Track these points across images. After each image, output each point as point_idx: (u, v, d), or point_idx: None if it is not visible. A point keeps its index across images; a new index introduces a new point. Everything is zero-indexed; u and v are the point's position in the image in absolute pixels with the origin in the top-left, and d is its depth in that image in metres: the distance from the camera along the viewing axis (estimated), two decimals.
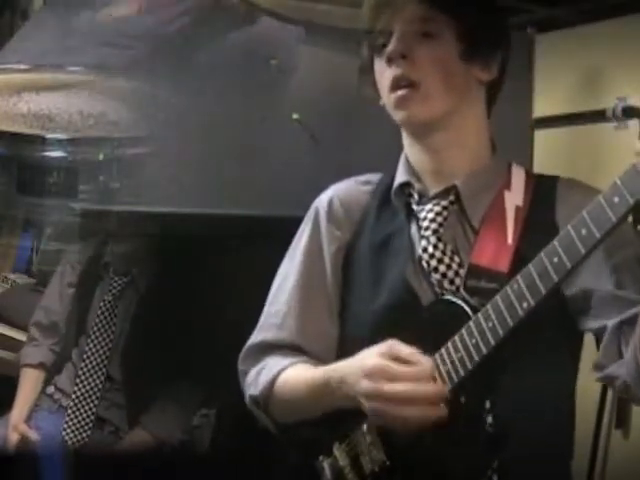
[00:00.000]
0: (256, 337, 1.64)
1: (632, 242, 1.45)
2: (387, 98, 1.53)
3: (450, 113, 1.51)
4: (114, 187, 2.22)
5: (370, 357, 1.41)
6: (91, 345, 2.82)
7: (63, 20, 2.60)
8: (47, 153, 2.19)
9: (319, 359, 1.58)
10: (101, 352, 2.81)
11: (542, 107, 2.94)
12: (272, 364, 1.59)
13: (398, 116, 1.53)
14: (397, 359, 1.39)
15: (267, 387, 1.57)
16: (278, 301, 1.63)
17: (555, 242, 1.32)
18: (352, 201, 1.63)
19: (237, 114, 2.37)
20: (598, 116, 2.83)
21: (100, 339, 2.82)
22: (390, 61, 1.49)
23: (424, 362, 1.39)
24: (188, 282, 2.72)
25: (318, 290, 1.60)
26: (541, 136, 2.96)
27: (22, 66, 2.47)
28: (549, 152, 2.93)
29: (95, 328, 2.83)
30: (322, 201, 1.65)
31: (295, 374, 1.56)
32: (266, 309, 1.65)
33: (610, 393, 2.65)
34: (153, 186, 2.29)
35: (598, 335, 1.45)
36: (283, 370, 1.56)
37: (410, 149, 1.59)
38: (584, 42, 3.12)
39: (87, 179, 2.22)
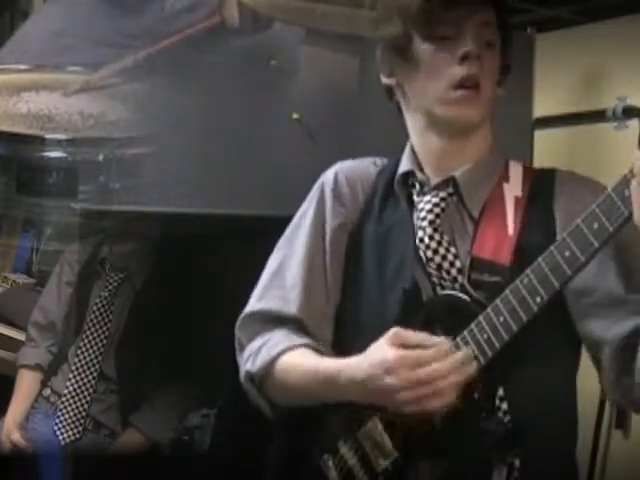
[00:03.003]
0: (257, 305, 1.63)
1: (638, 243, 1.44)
2: (443, 92, 1.51)
3: (486, 117, 1.55)
4: (114, 187, 2.22)
5: (383, 351, 1.40)
6: (85, 341, 2.81)
7: (62, 19, 2.60)
8: (47, 153, 2.19)
9: (319, 338, 1.57)
10: (95, 348, 2.81)
11: (542, 107, 2.94)
12: (273, 342, 1.57)
13: (452, 112, 1.53)
14: (408, 346, 1.40)
15: (266, 366, 1.55)
16: (283, 274, 1.62)
17: (565, 236, 1.32)
18: (357, 178, 1.64)
19: (237, 114, 2.37)
20: (598, 116, 2.83)
21: (95, 335, 2.82)
22: (465, 59, 1.49)
23: (437, 341, 1.40)
24: (186, 282, 2.72)
25: (320, 267, 1.61)
26: (541, 136, 2.96)
27: (22, 66, 2.47)
28: (549, 152, 2.93)
29: (90, 324, 2.83)
30: (328, 177, 1.66)
31: (298, 360, 1.54)
32: (267, 280, 1.64)
33: None
34: (153, 186, 2.29)
35: (599, 350, 1.43)
36: (284, 352, 1.54)
37: (425, 141, 1.58)
38: (584, 42, 3.13)
39: (87, 179, 2.22)
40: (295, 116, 2.41)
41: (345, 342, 1.57)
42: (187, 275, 2.72)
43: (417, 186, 1.58)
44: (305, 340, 1.56)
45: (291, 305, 1.59)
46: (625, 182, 1.27)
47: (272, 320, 1.60)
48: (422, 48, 1.53)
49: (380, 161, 1.67)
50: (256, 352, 1.58)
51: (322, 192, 1.64)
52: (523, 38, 2.83)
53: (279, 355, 1.54)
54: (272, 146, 2.39)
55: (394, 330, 1.42)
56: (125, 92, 2.39)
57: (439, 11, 1.50)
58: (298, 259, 1.62)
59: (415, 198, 1.57)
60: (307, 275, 1.60)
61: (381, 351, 1.41)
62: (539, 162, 2.73)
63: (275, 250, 1.67)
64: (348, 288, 1.60)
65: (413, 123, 1.60)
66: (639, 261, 1.43)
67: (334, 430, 1.52)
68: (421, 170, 1.58)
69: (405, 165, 1.60)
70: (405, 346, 1.40)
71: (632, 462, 2.80)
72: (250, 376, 1.58)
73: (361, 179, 1.64)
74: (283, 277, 1.62)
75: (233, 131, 2.37)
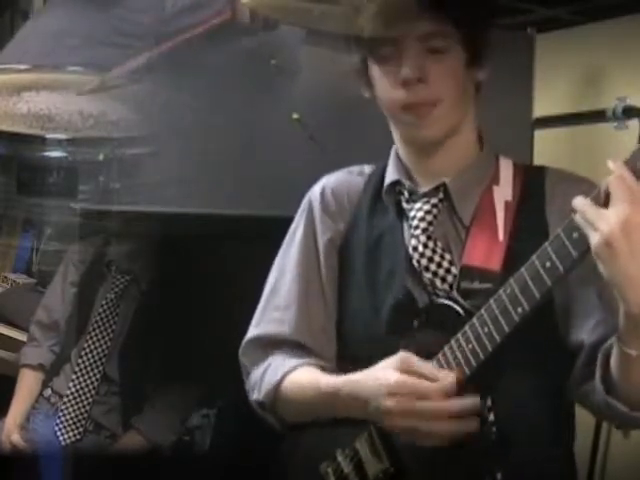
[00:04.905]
0: (255, 330, 1.64)
1: None
2: (394, 114, 1.51)
3: (456, 124, 1.52)
4: (114, 187, 2.22)
5: (389, 373, 1.40)
6: (90, 342, 2.81)
7: (63, 19, 2.60)
8: (47, 153, 2.19)
9: (320, 355, 1.57)
10: (99, 350, 2.80)
11: (542, 107, 2.94)
12: (275, 366, 1.58)
13: (407, 133, 1.53)
14: (415, 374, 1.39)
15: (271, 393, 1.56)
16: (277, 295, 1.62)
17: (547, 246, 1.30)
18: (344, 191, 1.63)
19: (237, 114, 2.37)
20: (598, 116, 2.83)
21: (100, 337, 2.82)
22: (405, 84, 1.46)
23: (444, 377, 1.38)
24: (188, 282, 2.72)
25: (315, 283, 1.60)
26: (541, 136, 2.96)
27: (22, 66, 2.47)
28: (549, 152, 2.93)
29: (95, 325, 2.82)
30: (314, 193, 1.66)
31: (302, 380, 1.55)
32: (264, 302, 1.65)
33: None
34: (153, 186, 2.29)
35: (575, 351, 1.45)
36: (288, 373, 1.55)
37: (404, 149, 1.58)
38: (584, 42, 3.13)
39: (87, 179, 2.21)
40: (295, 116, 2.41)
41: (343, 355, 1.57)
42: (191, 276, 2.72)
43: (406, 194, 1.56)
44: (304, 360, 1.57)
45: (288, 326, 1.59)
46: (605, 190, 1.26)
47: (271, 344, 1.61)
48: (373, 69, 1.52)
49: (367, 169, 1.65)
50: (260, 380, 1.59)
51: (310, 208, 1.64)
52: (523, 38, 2.83)
53: (281, 380, 1.55)
54: (272, 146, 2.39)
55: (403, 355, 1.41)
56: (125, 92, 2.39)
57: (374, 31, 1.46)
58: (291, 277, 1.61)
59: (405, 205, 1.55)
60: (302, 293, 1.60)
61: (386, 372, 1.40)
62: (539, 162, 2.72)
63: (271, 271, 1.66)
64: (342, 301, 1.59)
65: (393, 131, 1.59)
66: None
67: (333, 439, 1.53)
68: (409, 177, 1.57)
69: (392, 174, 1.58)
70: (411, 373, 1.39)
71: (632, 462, 2.80)
72: (259, 404, 1.60)
73: (348, 191, 1.63)
74: (278, 298, 1.62)
75: (233, 131, 2.37)
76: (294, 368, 1.55)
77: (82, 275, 2.94)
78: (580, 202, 1.25)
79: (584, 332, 1.43)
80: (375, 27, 1.47)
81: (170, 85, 2.34)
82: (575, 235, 1.27)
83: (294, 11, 2.34)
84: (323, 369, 1.55)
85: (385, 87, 1.50)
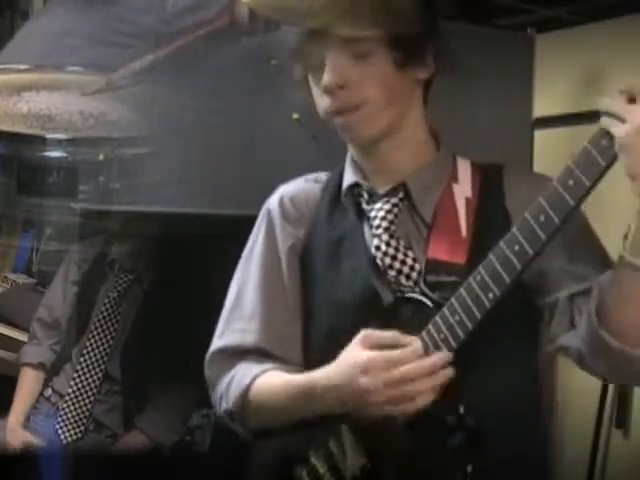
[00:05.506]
0: (219, 342, 1.63)
1: (580, 217, 1.46)
2: (329, 120, 1.53)
3: (393, 122, 1.52)
4: (114, 187, 2.22)
5: (358, 353, 1.40)
6: (92, 341, 2.82)
7: (63, 20, 2.60)
8: (47, 153, 2.19)
9: (286, 362, 1.57)
10: (101, 349, 2.81)
11: (542, 107, 2.94)
12: (241, 375, 1.57)
13: (343, 136, 1.55)
14: (382, 346, 1.39)
15: (238, 400, 1.55)
16: (240, 305, 1.62)
17: (514, 230, 1.33)
18: (302, 198, 1.63)
19: (237, 114, 2.37)
20: (598, 116, 2.84)
21: (102, 335, 2.82)
22: (327, 91, 1.49)
23: (409, 341, 1.39)
24: (189, 282, 2.72)
25: (278, 291, 1.60)
26: (541, 136, 2.97)
27: (22, 66, 2.47)
28: (549, 152, 2.93)
29: (98, 324, 2.83)
30: (272, 202, 1.66)
31: (269, 383, 1.54)
32: (227, 313, 1.64)
33: (610, 393, 2.65)
34: (153, 186, 2.29)
35: (550, 309, 1.47)
36: (254, 380, 1.55)
37: (354, 151, 1.60)
38: (584, 42, 3.13)
39: (87, 179, 2.22)
40: (295, 116, 2.41)
41: (310, 359, 1.57)
42: (191, 276, 2.72)
43: (365, 195, 1.57)
44: (271, 365, 1.56)
45: (252, 336, 1.59)
46: (570, 172, 1.28)
47: (236, 355, 1.60)
48: (310, 79, 1.55)
49: (323, 176, 1.66)
50: (226, 390, 1.59)
51: (270, 217, 1.64)
52: (523, 38, 2.84)
53: (249, 386, 1.55)
54: (272, 146, 2.39)
55: (364, 332, 1.41)
56: (125, 92, 2.39)
57: (301, 40, 1.50)
58: (254, 286, 1.61)
59: (365, 207, 1.56)
60: (265, 301, 1.59)
61: (353, 354, 1.41)
62: (539, 162, 2.73)
63: (232, 283, 1.66)
64: (307, 306, 1.59)
65: None
66: (579, 235, 1.45)
67: (305, 440, 1.52)
68: (366, 178, 1.57)
69: (350, 177, 1.59)
70: (377, 347, 1.40)
71: (632, 462, 2.80)
72: (227, 414, 1.59)
73: (307, 198, 1.63)
74: (241, 308, 1.62)
75: (233, 131, 2.37)
76: (262, 373, 1.55)
77: (84, 274, 2.95)
78: (607, 101, 1.28)
79: (556, 292, 1.45)
80: (301, 36, 1.51)
81: (170, 85, 2.34)
82: (542, 218, 1.29)
83: (294, 11, 2.34)
84: (289, 373, 1.54)
85: (316, 94, 1.53)
